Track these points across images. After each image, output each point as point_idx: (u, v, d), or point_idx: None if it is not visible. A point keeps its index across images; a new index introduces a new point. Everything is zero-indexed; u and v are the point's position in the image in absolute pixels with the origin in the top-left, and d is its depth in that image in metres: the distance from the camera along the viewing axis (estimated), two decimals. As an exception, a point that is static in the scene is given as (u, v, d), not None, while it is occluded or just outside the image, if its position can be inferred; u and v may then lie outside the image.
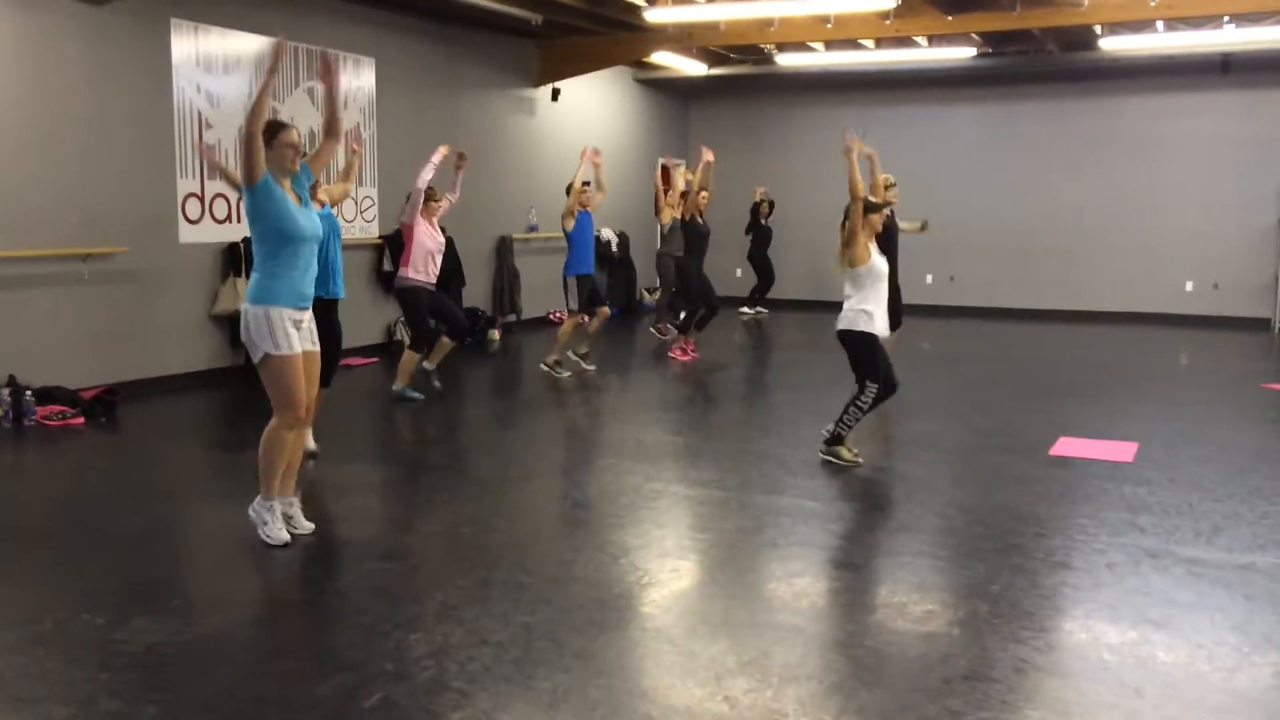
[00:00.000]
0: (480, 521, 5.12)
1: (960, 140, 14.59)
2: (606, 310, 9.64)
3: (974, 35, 11.92)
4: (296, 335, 4.63)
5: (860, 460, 6.22)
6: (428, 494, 5.80)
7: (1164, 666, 3.51)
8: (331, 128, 4.96)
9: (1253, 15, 10.64)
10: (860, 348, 6.24)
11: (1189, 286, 13.71)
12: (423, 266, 8.05)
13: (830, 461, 6.23)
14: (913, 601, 4.09)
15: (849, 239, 6.13)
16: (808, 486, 5.79)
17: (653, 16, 10.63)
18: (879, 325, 6.20)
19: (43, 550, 4.70)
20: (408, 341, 8.62)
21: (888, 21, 10.86)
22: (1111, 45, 11.92)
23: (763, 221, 14.51)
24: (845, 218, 6.18)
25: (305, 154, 4.94)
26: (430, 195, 8.05)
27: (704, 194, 10.51)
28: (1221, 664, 3.53)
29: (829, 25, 11.14)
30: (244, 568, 4.58)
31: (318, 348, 4.84)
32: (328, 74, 4.90)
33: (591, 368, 9.55)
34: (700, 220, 10.45)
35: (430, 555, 4.73)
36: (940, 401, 8.41)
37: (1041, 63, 13.07)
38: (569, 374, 9.27)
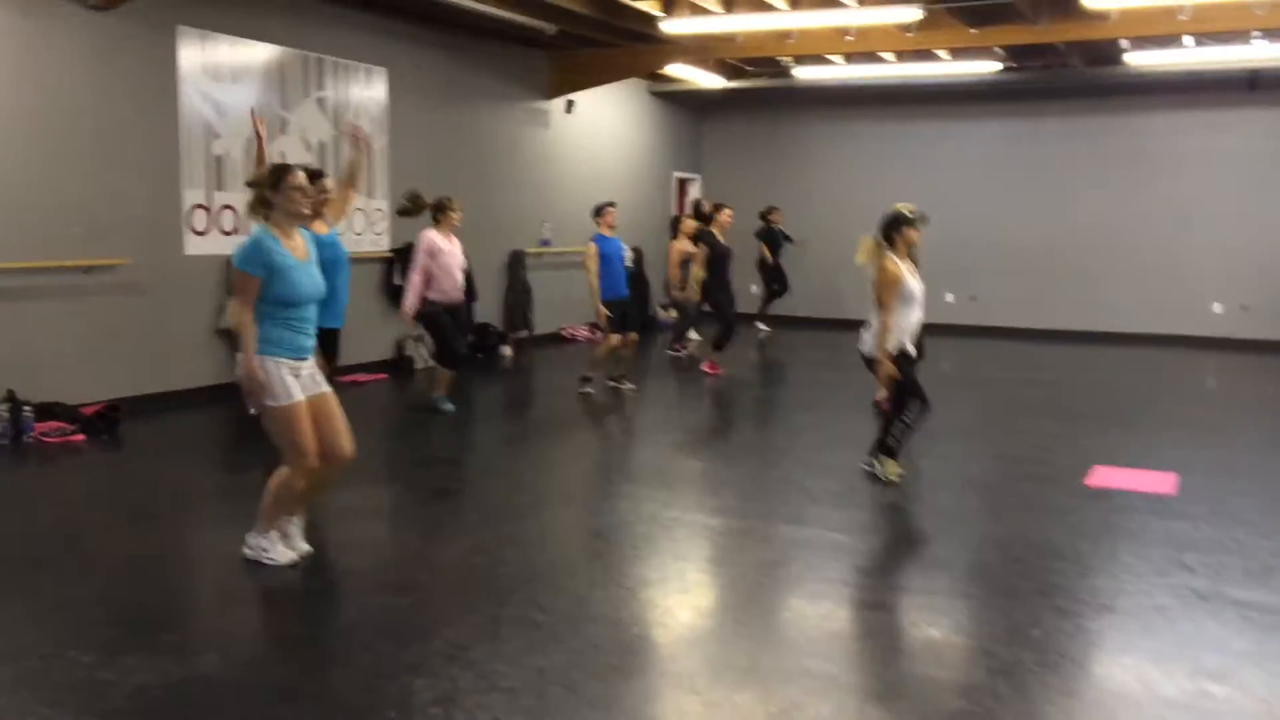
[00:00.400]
0: (491, 551, 4.88)
1: (981, 156, 14.34)
2: (616, 338, 9.27)
3: (997, 49, 11.69)
4: (297, 383, 4.40)
5: (897, 481, 6.00)
6: (436, 520, 5.57)
7: (1228, 725, 3.25)
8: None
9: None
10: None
11: (1217, 308, 13.41)
12: (442, 285, 7.88)
13: (869, 470, 6.12)
14: (951, 647, 3.83)
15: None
16: (834, 517, 5.53)
17: (669, 27, 10.44)
18: (901, 344, 5.97)
19: (32, 578, 4.48)
20: (439, 361, 8.41)
21: (909, 34, 10.64)
22: (1137, 60, 11.68)
23: (775, 228, 14.26)
24: (882, 234, 5.99)
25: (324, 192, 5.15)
26: (445, 205, 7.90)
27: (727, 211, 10.27)
28: (1291, 723, 3.27)
29: (849, 38, 10.93)
30: (242, 599, 4.35)
31: (327, 388, 4.61)
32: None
33: (630, 385, 9.29)
34: (721, 241, 10.20)
35: (438, 588, 4.49)
36: (966, 426, 8.14)
37: (1065, 78, 12.83)
38: (591, 390, 9.06)
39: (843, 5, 9.44)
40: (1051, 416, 8.62)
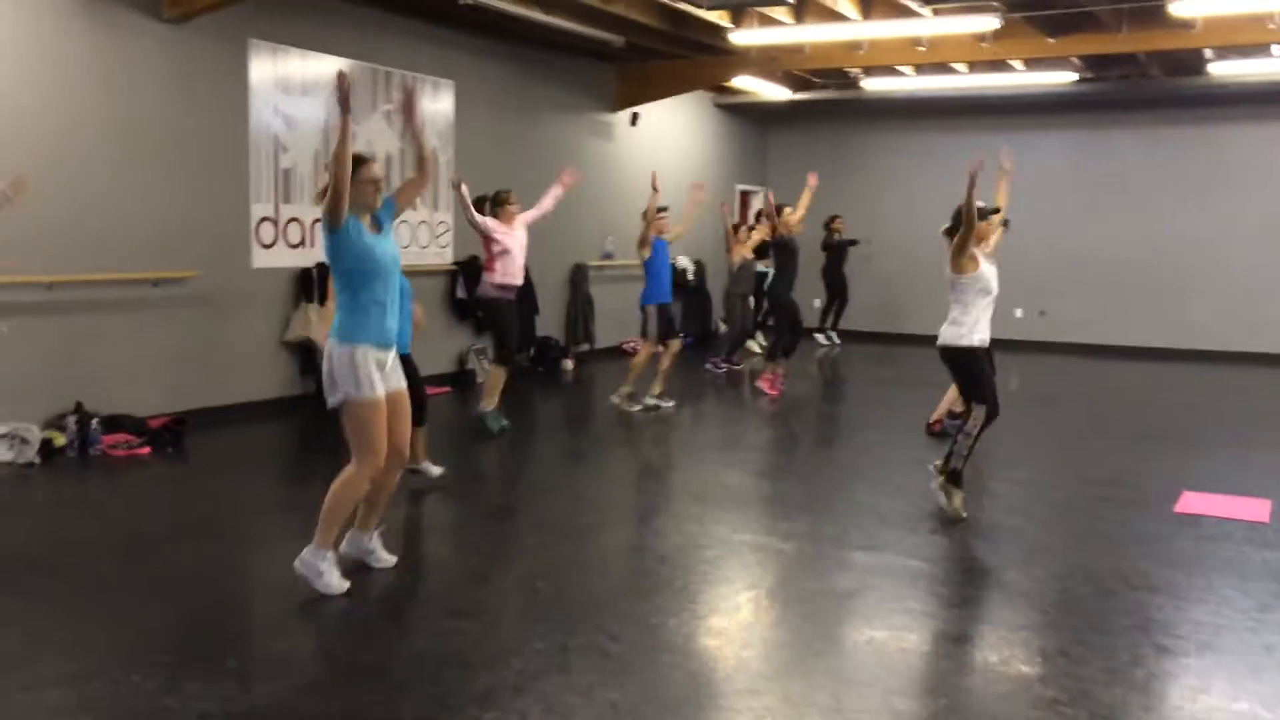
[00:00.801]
0: (557, 574, 4.75)
1: (1052, 168, 13.96)
2: (678, 343, 9.23)
3: (1074, 59, 11.36)
4: (380, 377, 4.37)
5: (964, 517, 5.72)
6: (499, 540, 5.45)
7: (1357, 782, 3.00)
8: (420, 165, 4.76)
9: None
10: (960, 365, 5.81)
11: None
12: (500, 268, 7.75)
13: (941, 497, 5.79)
14: (1050, 690, 3.60)
15: (958, 249, 5.69)
16: (910, 542, 5.32)
17: (737, 39, 10.30)
18: (978, 339, 5.75)
19: (97, 596, 4.43)
20: (491, 357, 8.30)
21: (984, 44, 10.38)
22: (1221, 70, 11.30)
23: (836, 238, 14.02)
24: (953, 224, 5.76)
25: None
26: (503, 198, 7.79)
27: (789, 210, 10.04)
28: None
29: (921, 49, 10.69)
30: (306, 622, 4.26)
31: (405, 384, 4.60)
32: (410, 111, 4.71)
33: (670, 403, 9.14)
34: (791, 238, 9.99)
35: (505, 613, 4.36)
36: (1044, 448, 7.87)
37: (1143, 88, 12.44)
38: (640, 408, 8.88)
39: (916, 15, 9.22)
40: (1134, 438, 8.31)
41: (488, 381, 8.04)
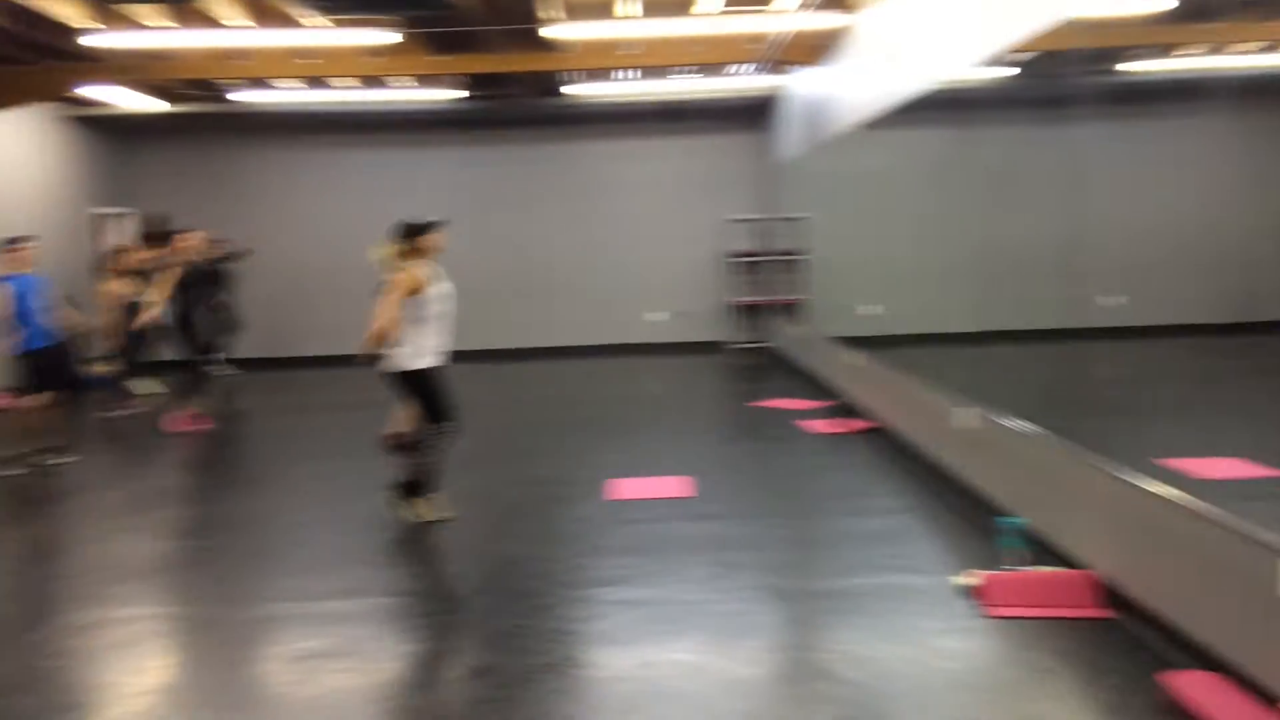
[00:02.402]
0: None
1: (438, 185, 14.34)
2: (41, 398, 7.87)
3: (461, 77, 11.71)
4: None
5: (436, 519, 5.62)
6: None
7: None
8: None
9: (707, 66, 11.60)
10: (415, 387, 5.75)
11: (651, 317, 14.69)
12: None
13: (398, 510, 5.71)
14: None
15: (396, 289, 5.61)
16: (390, 577, 5.07)
17: (90, 43, 9.01)
18: (429, 360, 5.72)
19: None
20: None
21: (371, 59, 10.29)
22: (572, 91, 12.43)
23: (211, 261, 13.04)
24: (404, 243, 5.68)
25: None
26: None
27: (197, 234, 9.13)
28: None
29: (304, 61, 10.30)
30: None
31: None
32: None
33: (71, 459, 7.79)
34: (197, 261, 9.06)
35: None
36: (478, 452, 7.97)
37: (516, 107, 13.30)
38: (27, 471, 7.51)
39: (311, 26, 8.80)
40: (550, 433, 8.72)
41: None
